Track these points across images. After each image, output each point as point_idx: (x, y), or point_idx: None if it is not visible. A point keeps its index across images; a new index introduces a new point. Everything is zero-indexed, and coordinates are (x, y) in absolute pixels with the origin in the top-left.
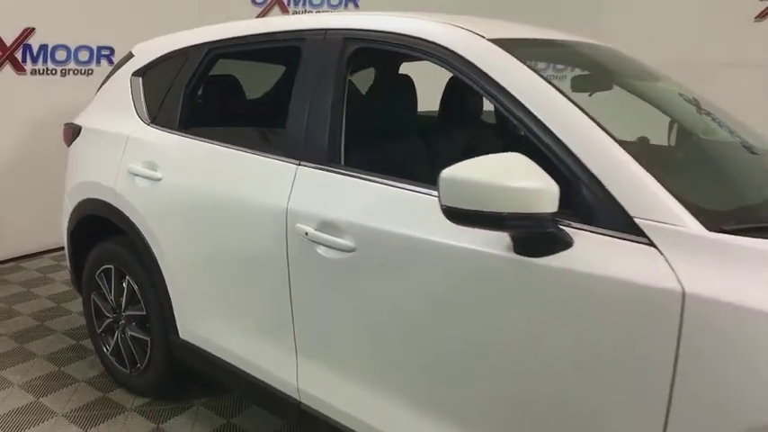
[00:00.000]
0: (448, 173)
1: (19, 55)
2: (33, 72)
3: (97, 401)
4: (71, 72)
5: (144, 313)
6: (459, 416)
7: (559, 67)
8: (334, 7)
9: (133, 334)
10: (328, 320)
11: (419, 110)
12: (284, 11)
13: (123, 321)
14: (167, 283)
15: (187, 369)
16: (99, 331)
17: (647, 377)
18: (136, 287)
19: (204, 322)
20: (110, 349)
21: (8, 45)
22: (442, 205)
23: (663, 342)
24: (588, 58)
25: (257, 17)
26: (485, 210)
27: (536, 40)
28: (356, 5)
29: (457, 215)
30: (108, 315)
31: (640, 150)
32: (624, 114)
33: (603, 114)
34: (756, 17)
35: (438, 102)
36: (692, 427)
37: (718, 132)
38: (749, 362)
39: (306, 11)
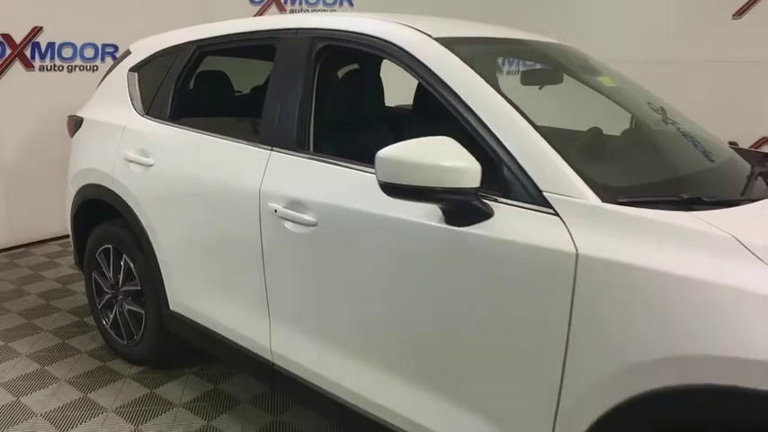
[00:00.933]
0: (384, 153)
1: (28, 52)
2: (42, 68)
3: (97, 369)
4: (77, 68)
5: (139, 288)
6: (404, 365)
7: (528, 63)
8: (329, 6)
9: (129, 308)
10: (295, 288)
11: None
12: (281, 9)
13: (121, 296)
14: (158, 259)
15: (177, 338)
16: (99, 307)
17: (551, 321)
18: (132, 264)
19: (190, 294)
20: (109, 323)
21: (18, 43)
22: (378, 181)
23: (561, 293)
24: (539, 55)
25: (255, 15)
26: (419, 185)
27: (481, 38)
28: (351, 4)
29: (392, 189)
30: (107, 291)
31: (555, 134)
32: (572, 104)
33: (553, 104)
34: (734, 15)
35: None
36: (586, 362)
37: (650, 122)
38: (628, 309)
39: (302, 9)
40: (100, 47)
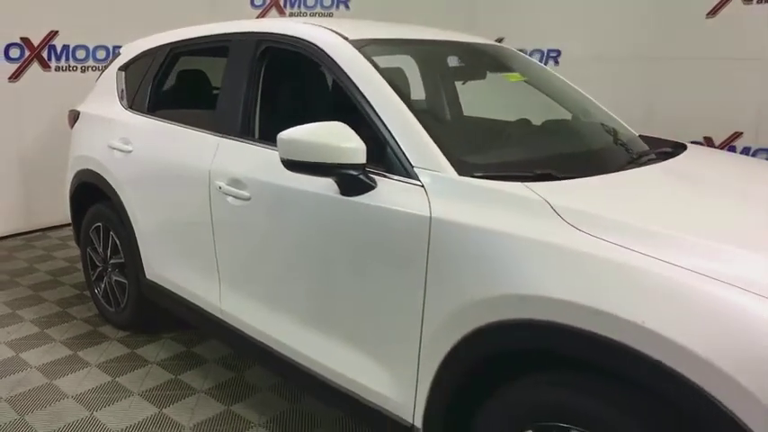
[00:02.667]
0: (284, 134)
1: (45, 54)
2: (57, 69)
3: (88, 333)
4: (90, 69)
5: (123, 261)
6: (309, 314)
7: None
8: (326, 8)
9: (116, 278)
10: (236, 253)
11: None
12: (281, 12)
13: (109, 269)
14: (136, 234)
15: (154, 305)
16: (93, 279)
17: (414, 271)
18: (117, 240)
19: (161, 264)
20: (100, 293)
21: (36, 46)
22: (280, 158)
23: (420, 249)
24: (460, 54)
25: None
26: (313, 161)
27: (395, 39)
28: (347, 7)
29: (291, 165)
30: (99, 264)
31: (433, 119)
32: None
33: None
34: (708, 14)
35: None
36: (440, 301)
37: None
38: (467, 259)
39: (301, 12)
40: (111, 49)
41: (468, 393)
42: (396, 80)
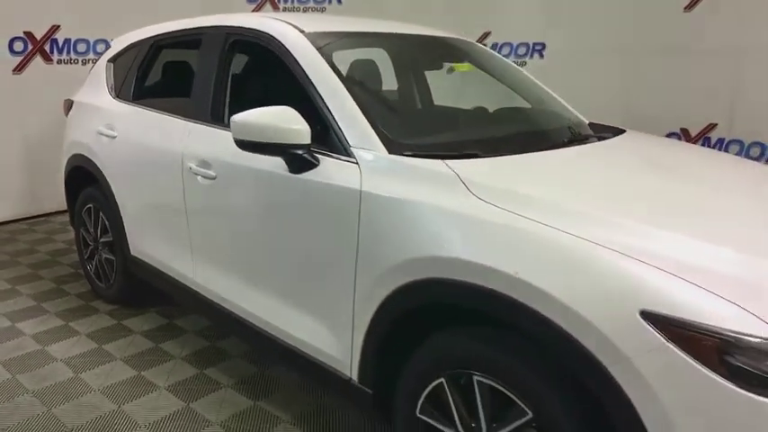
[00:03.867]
0: (237, 117)
1: (47, 47)
2: (59, 62)
3: (80, 306)
4: (90, 61)
5: (111, 239)
6: (264, 280)
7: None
8: (319, 3)
9: (106, 256)
10: (205, 227)
11: None
12: (275, 7)
13: (100, 247)
14: (121, 213)
15: (138, 280)
16: (85, 257)
17: (348, 237)
18: (106, 220)
19: (143, 240)
20: (92, 270)
21: (38, 39)
22: (234, 138)
23: (352, 219)
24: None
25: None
26: (262, 141)
27: (350, 32)
28: (339, 2)
29: (243, 144)
30: (90, 243)
31: (375, 105)
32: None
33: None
34: (685, 8)
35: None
36: (369, 263)
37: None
38: (390, 226)
39: (294, 8)
40: (110, 42)
41: (400, 350)
42: (367, 70)
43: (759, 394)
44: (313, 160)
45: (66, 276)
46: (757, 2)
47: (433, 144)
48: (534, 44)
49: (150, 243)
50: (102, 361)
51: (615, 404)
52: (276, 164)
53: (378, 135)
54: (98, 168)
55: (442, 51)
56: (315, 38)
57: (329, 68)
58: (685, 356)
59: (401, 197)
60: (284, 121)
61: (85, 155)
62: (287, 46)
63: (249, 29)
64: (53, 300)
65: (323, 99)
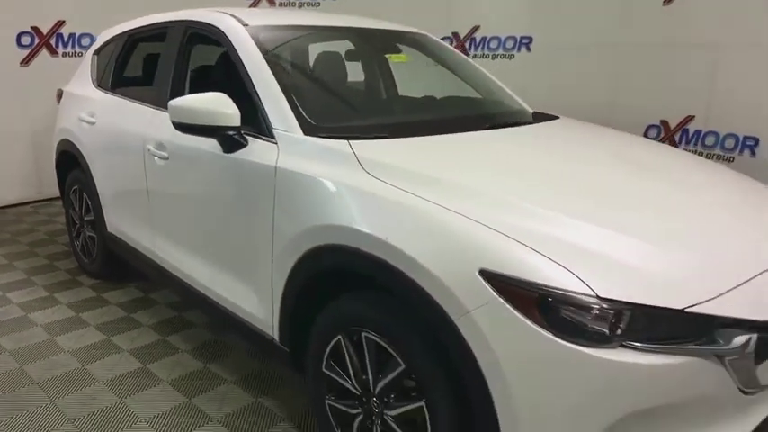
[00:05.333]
0: (174, 101)
1: (53, 42)
2: (64, 55)
3: (66, 281)
4: None
5: (93, 218)
6: (203, 250)
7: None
8: None
9: (89, 233)
10: (161, 203)
11: None
12: (271, 3)
13: (84, 226)
14: (98, 193)
15: (116, 256)
16: (73, 235)
17: (266, 208)
18: (88, 200)
19: (116, 218)
20: (79, 247)
21: (44, 34)
22: (171, 121)
23: (269, 192)
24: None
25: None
26: (196, 123)
27: (291, 25)
28: None
29: (180, 126)
30: (77, 222)
31: (301, 92)
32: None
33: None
34: (665, 2)
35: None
36: (283, 229)
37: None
38: (298, 197)
39: (289, 3)
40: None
41: (312, 313)
42: (331, 61)
43: (575, 343)
44: (242, 141)
45: (59, 254)
46: None
47: (346, 127)
48: (522, 38)
49: (122, 220)
50: (77, 327)
51: (461, 355)
52: (213, 144)
53: (297, 118)
54: (80, 152)
55: (383, 44)
56: (256, 30)
57: (262, 58)
58: (512, 309)
59: (306, 172)
60: (216, 105)
61: (70, 140)
62: (229, 37)
63: (202, 22)
64: (43, 274)
65: (254, 86)
